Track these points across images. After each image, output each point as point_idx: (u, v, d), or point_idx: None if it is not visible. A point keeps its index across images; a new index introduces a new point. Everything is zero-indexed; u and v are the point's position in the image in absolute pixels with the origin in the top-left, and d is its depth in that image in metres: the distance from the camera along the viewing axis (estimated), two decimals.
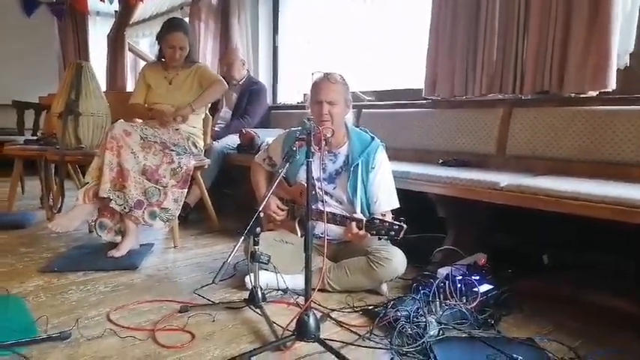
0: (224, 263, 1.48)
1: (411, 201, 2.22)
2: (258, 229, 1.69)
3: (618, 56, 2.19)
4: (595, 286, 2.04)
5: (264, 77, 4.24)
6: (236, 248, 1.49)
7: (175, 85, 2.79)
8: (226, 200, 3.70)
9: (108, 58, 5.85)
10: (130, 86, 5.78)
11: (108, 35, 5.84)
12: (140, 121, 2.74)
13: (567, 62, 2.22)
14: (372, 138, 2.08)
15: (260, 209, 1.61)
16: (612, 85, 2.11)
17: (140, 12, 5.42)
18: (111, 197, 2.38)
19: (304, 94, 4.06)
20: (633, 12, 2.18)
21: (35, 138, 3.68)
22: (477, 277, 1.88)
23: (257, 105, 3.72)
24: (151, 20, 5.24)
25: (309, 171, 1.46)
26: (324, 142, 1.86)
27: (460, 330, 1.58)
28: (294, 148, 1.63)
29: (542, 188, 1.81)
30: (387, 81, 3.54)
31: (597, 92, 2.18)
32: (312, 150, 1.55)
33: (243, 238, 1.55)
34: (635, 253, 2.04)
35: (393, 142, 2.83)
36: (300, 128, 1.56)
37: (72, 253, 2.47)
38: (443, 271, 2.00)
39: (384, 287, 1.98)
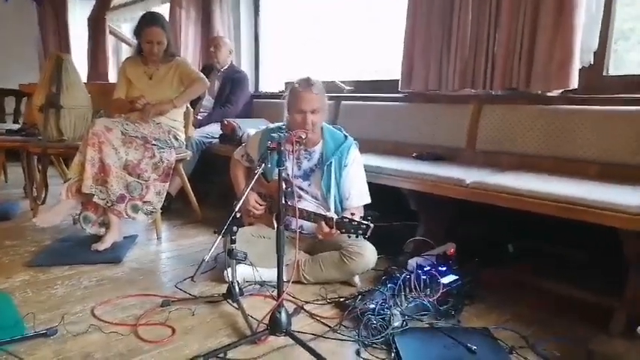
0: (202, 261, 1.58)
1: (387, 191, 2.33)
2: (234, 228, 1.78)
3: (583, 54, 2.28)
4: (552, 275, 2.18)
5: (246, 65, 4.26)
6: (213, 248, 1.58)
7: (156, 80, 2.82)
8: (209, 188, 3.77)
9: (89, 42, 5.78)
10: (111, 70, 5.74)
11: (88, 19, 5.76)
12: (123, 116, 2.77)
13: (534, 61, 2.30)
14: (346, 137, 2.17)
15: (236, 209, 1.70)
16: (574, 84, 2.20)
17: None
18: (93, 192, 2.45)
19: (285, 83, 4.11)
20: (598, 12, 2.26)
21: (17, 128, 3.69)
22: (444, 268, 2.00)
23: (239, 93, 3.76)
24: (132, 5, 5.18)
25: (280, 179, 1.54)
26: (297, 144, 1.94)
27: (422, 321, 1.70)
28: (269, 150, 1.71)
29: (502, 186, 1.92)
30: (367, 71, 3.60)
31: (562, 90, 2.28)
32: (288, 149, 1.65)
33: (220, 237, 1.65)
34: (585, 244, 2.17)
35: (370, 134, 2.95)
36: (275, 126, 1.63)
37: (57, 246, 2.54)
38: (413, 262, 2.13)
39: (357, 279, 2.10)
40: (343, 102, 3.23)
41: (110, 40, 5.76)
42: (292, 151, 1.87)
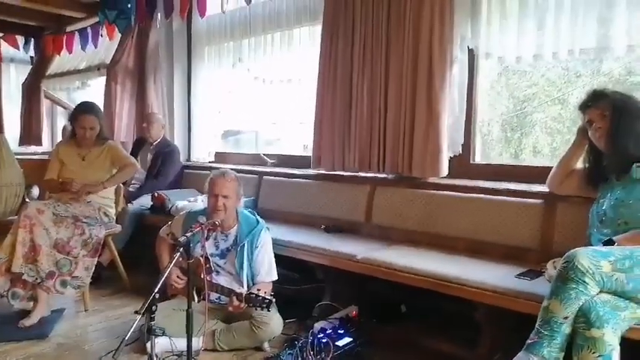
0: (122, 341, 1.83)
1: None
2: (154, 307, 2.05)
3: (453, 146, 2.83)
4: (433, 331, 2.58)
5: (179, 136, 4.57)
6: (133, 328, 1.83)
7: (88, 162, 3.08)
8: (140, 255, 3.95)
9: (22, 106, 5.87)
10: (45, 132, 5.84)
11: (23, 83, 5.88)
12: (54, 196, 2.98)
13: (413, 152, 2.81)
14: (258, 221, 2.53)
15: (155, 291, 1.98)
16: (444, 172, 2.72)
17: (57, 64, 5.55)
18: (23, 271, 2.62)
19: (215, 153, 4.46)
20: (461, 113, 2.83)
21: None
22: (342, 331, 2.36)
23: (170, 166, 4.04)
24: (68, 76, 5.40)
25: (190, 277, 1.86)
26: (212, 231, 2.28)
27: None
28: (188, 235, 2.03)
29: (384, 262, 2.35)
30: (289, 146, 4.05)
31: (436, 177, 2.79)
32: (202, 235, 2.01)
33: (140, 316, 1.92)
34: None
35: (286, 207, 3.36)
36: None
37: None
38: (318, 326, 2.47)
39: (266, 345, 2.40)
40: (265, 177, 3.61)
41: (45, 102, 5.88)
42: (205, 238, 2.20)
